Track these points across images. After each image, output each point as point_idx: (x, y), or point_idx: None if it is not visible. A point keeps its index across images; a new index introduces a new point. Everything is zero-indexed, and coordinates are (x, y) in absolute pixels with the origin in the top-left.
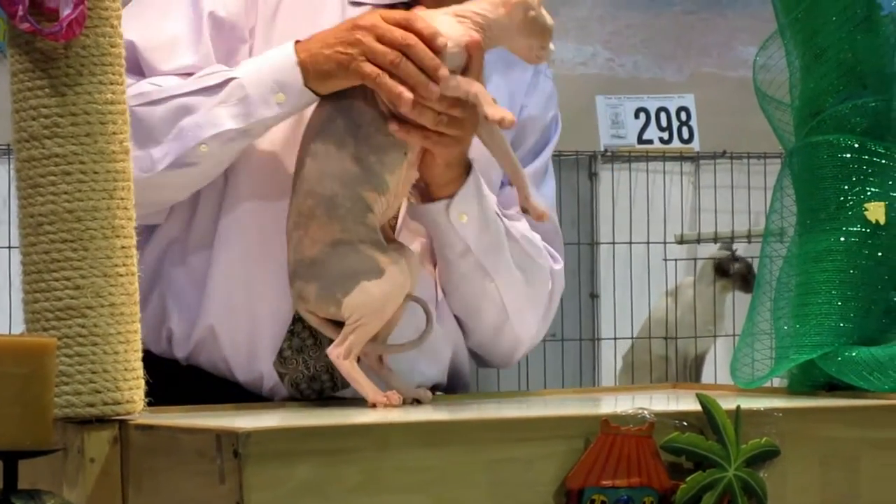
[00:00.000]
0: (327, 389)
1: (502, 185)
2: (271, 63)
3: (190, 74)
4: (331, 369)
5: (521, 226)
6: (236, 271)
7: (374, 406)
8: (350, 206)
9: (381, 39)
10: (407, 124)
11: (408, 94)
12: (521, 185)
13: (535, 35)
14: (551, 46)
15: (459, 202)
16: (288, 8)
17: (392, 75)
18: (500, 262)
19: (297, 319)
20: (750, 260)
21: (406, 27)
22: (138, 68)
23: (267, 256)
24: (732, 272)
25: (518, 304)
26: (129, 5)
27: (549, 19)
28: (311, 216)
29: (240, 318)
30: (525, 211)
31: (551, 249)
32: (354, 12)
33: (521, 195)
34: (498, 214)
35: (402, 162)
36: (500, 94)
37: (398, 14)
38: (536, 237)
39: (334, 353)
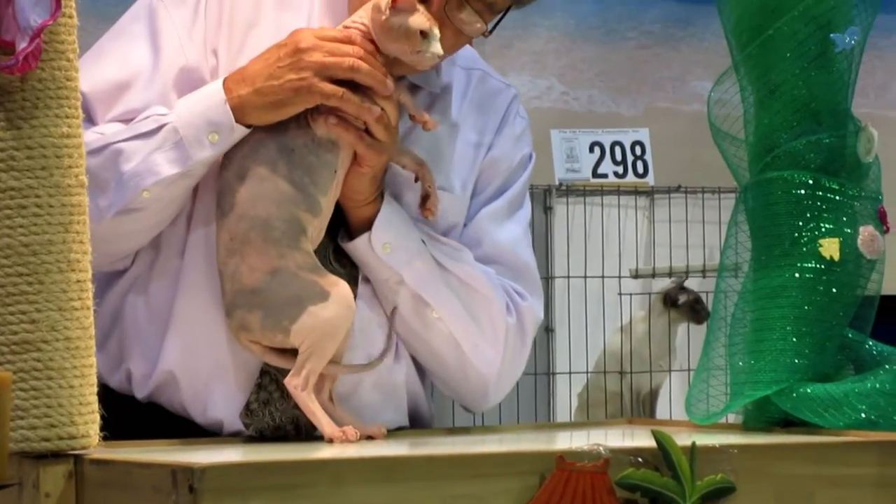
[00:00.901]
0: (291, 439)
1: (465, 225)
2: (203, 104)
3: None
4: (296, 420)
5: (464, 256)
6: (200, 315)
7: (330, 441)
8: (285, 228)
9: (332, 54)
10: (345, 121)
11: (376, 108)
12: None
13: (400, 39)
14: (433, 49)
15: (379, 231)
16: (254, 43)
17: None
18: (438, 292)
19: (265, 372)
20: (699, 292)
21: (347, 41)
22: (89, 117)
23: None
24: (681, 303)
25: (469, 337)
26: (84, 55)
27: (413, 21)
28: (246, 241)
29: (203, 365)
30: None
31: (514, 285)
32: None
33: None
34: (424, 242)
35: (332, 181)
36: (470, 133)
37: (333, 31)
38: (488, 271)
39: (292, 383)
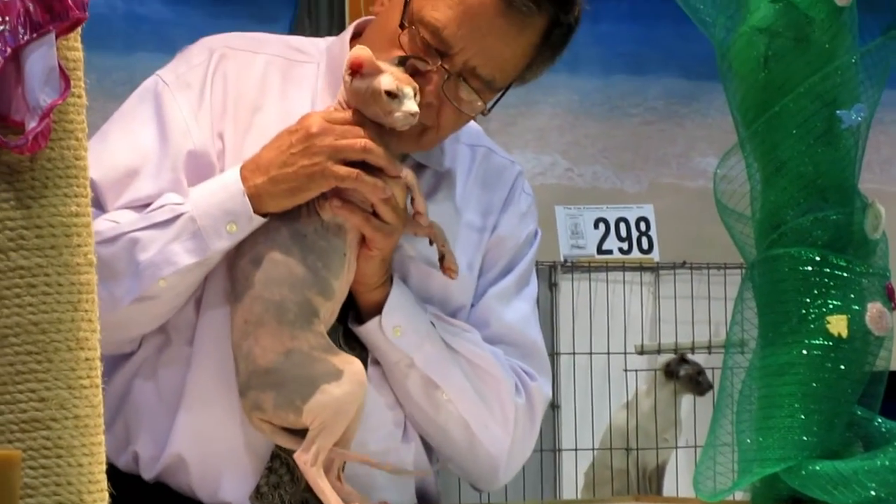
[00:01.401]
0: None
1: (472, 305)
2: (220, 195)
3: (147, 205)
4: (305, 502)
5: (472, 337)
6: (210, 399)
7: None
8: (298, 310)
9: (343, 137)
10: (350, 204)
11: (388, 188)
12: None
13: (369, 102)
14: (404, 108)
15: (389, 314)
16: (260, 126)
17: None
18: (448, 374)
19: (276, 456)
20: (705, 367)
21: (356, 124)
22: (99, 203)
23: None
24: (682, 375)
25: (479, 418)
26: (91, 139)
27: (377, 83)
28: (260, 323)
29: (213, 449)
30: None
31: (523, 365)
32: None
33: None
34: (433, 324)
35: (343, 265)
36: (475, 214)
37: (342, 114)
38: (497, 352)
39: (302, 458)
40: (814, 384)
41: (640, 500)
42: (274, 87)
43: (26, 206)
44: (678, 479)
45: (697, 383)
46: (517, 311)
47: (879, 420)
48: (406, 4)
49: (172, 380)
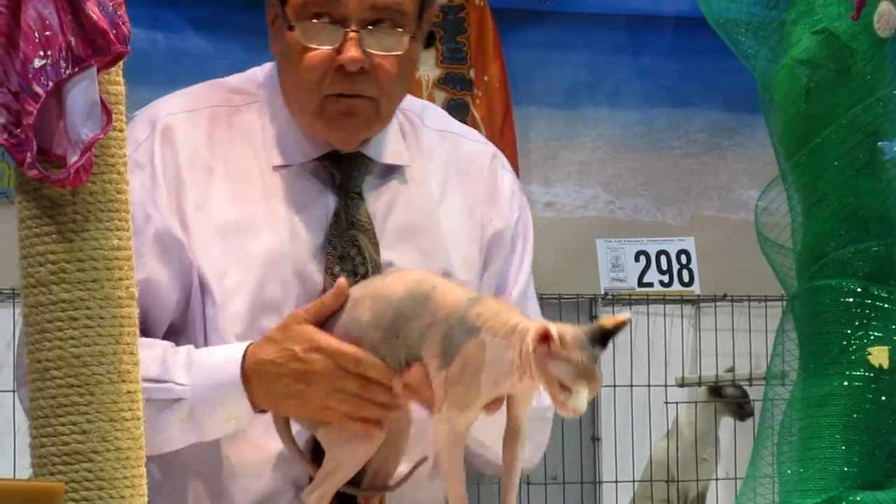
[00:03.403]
0: None
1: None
2: (222, 389)
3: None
4: None
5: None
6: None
7: None
8: None
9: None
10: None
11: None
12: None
13: (543, 378)
14: (572, 403)
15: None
16: (219, 188)
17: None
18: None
19: None
20: (747, 389)
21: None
22: None
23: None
24: (726, 394)
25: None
26: None
27: (556, 371)
28: None
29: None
30: None
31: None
32: (276, 178)
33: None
34: None
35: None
36: (457, 209)
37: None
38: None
39: (307, 498)
40: (855, 415)
41: None
42: (223, 142)
43: (68, 240)
44: None
45: (740, 406)
46: (535, 306)
47: None
48: (283, 13)
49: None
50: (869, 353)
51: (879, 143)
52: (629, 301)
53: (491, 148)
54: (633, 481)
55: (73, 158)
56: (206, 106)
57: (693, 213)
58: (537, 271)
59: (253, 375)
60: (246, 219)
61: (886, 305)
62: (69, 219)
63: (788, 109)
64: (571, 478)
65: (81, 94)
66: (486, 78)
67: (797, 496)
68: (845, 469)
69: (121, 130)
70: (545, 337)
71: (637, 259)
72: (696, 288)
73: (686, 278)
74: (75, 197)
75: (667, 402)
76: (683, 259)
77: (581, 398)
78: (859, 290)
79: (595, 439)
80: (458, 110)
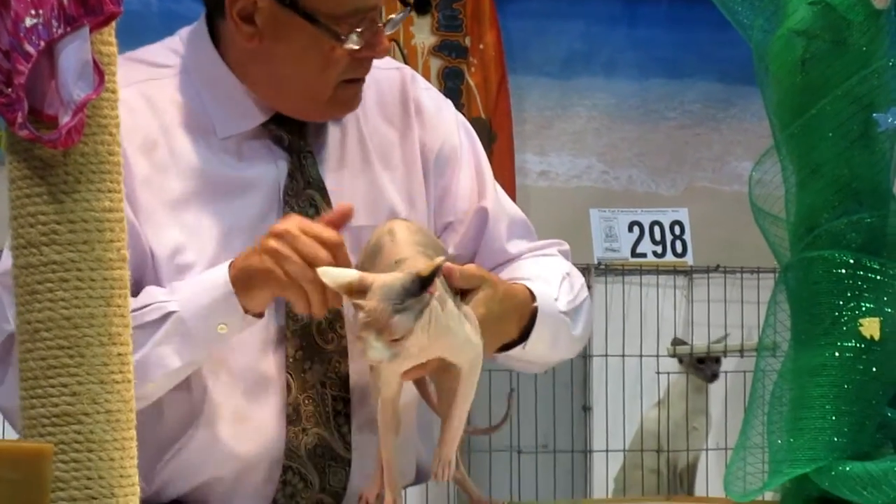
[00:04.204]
0: None
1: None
2: (210, 293)
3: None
4: (320, 502)
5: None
6: (221, 418)
7: None
8: None
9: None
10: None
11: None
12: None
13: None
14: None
15: (534, 340)
16: (157, 164)
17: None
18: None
19: (287, 468)
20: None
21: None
22: None
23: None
24: (683, 360)
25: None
26: None
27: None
28: None
29: (224, 471)
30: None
31: (552, 245)
32: (222, 147)
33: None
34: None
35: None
36: (390, 144)
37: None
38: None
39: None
40: (845, 386)
41: (671, 499)
42: (161, 117)
43: (59, 201)
44: (708, 480)
45: (700, 362)
46: (507, 201)
47: None
48: (296, 9)
49: (172, 421)
50: (860, 325)
51: (874, 115)
52: (622, 271)
53: (406, 70)
54: (624, 451)
55: (64, 119)
56: (134, 82)
57: (687, 184)
58: None
59: (237, 279)
60: (197, 192)
61: (878, 277)
62: (60, 180)
63: (784, 80)
64: (562, 447)
65: (73, 54)
66: (481, 46)
67: (787, 466)
68: (835, 439)
69: (113, 91)
70: (350, 288)
71: (630, 229)
72: (689, 259)
73: (679, 249)
74: (67, 158)
75: (658, 373)
76: (677, 230)
77: (371, 348)
78: (852, 261)
79: (586, 409)
80: (453, 78)
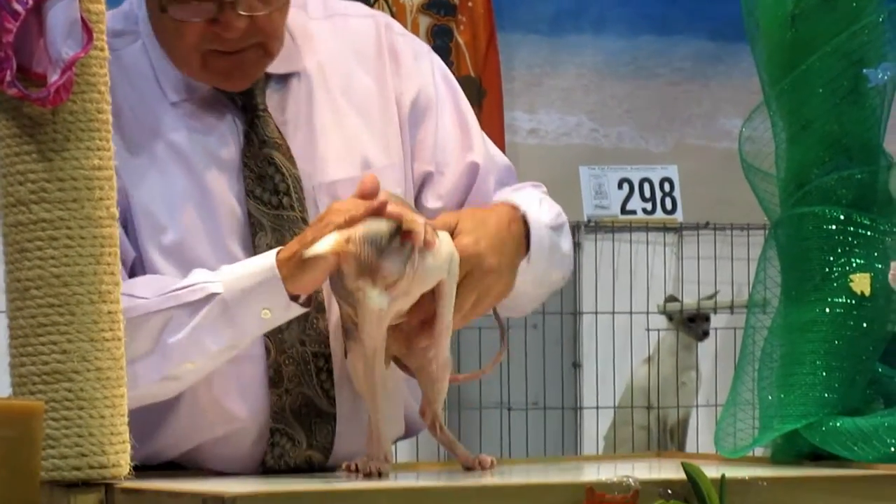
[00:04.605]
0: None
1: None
2: (255, 277)
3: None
4: (310, 460)
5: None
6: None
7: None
8: None
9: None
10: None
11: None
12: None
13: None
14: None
15: (535, 250)
16: (125, 136)
17: None
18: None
19: (274, 430)
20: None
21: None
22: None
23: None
24: (674, 318)
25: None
26: None
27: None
28: None
29: (213, 435)
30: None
31: (528, 185)
32: (177, 113)
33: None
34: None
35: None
36: (366, 93)
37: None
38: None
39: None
40: (836, 342)
41: (661, 455)
42: (120, 86)
43: (48, 159)
44: (699, 437)
45: (692, 320)
46: (494, 150)
47: None
48: None
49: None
50: (851, 281)
51: (864, 71)
52: (612, 228)
53: (382, 17)
54: (614, 407)
55: (53, 77)
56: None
57: (677, 141)
58: None
59: (285, 264)
60: (159, 159)
61: (869, 233)
62: (49, 138)
63: (773, 36)
64: (552, 403)
65: (62, 12)
66: (470, 4)
67: (777, 422)
68: (826, 395)
69: (101, 50)
70: (339, 245)
71: (620, 186)
72: (678, 216)
73: (669, 206)
74: (56, 116)
75: (648, 329)
76: (667, 187)
77: (370, 299)
78: (842, 217)
79: (576, 366)
80: (442, 36)
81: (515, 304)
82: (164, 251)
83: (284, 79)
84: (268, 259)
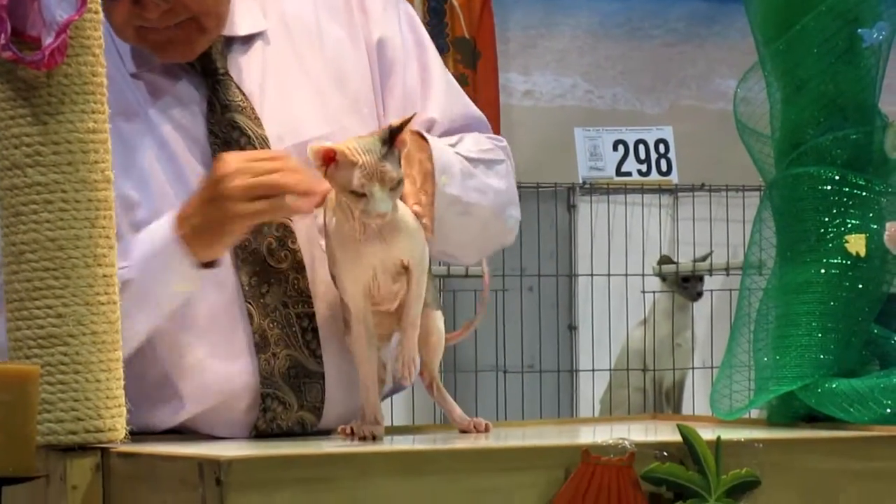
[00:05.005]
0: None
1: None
2: (163, 258)
3: None
4: (302, 421)
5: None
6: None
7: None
8: None
9: (256, 173)
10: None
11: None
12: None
13: (342, 195)
14: (370, 208)
15: (442, 175)
16: None
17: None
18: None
19: (266, 395)
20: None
21: (272, 158)
22: None
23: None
24: (668, 278)
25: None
26: None
27: (344, 181)
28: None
29: (205, 404)
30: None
31: (491, 138)
32: (139, 85)
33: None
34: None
35: None
36: (340, 45)
37: (262, 152)
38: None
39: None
40: (831, 303)
41: (657, 418)
42: None
43: (43, 123)
44: (695, 399)
45: (685, 280)
46: (457, 101)
47: None
48: None
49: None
50: (846, 241)
51: (859, 30)
52: (607, 190)
53: None
54: (610, 370)
55: (47, 40)
56: None
57: (672, 102)
58: (515, 160)
59: (195, 236)
60: (124, 134)
61: (864, 193)
62: (44, 101)
63: None
64: (548, 366)
65: None
66: None
67: (773, 383)
68: (821, 357)
69: (96, 12)
70: (328, 155)
71: (615, 148)
72: (673, 177)
73: (664, 168)
74: (50, 79)
75: (644, 292)
76: (661, 148)
77: (377, 198)
78: (837, 177)
79: (572, 328)
80: None
81: (452, 243)
82: (138, 228)
83: (248, 40)
84: (169, 235)
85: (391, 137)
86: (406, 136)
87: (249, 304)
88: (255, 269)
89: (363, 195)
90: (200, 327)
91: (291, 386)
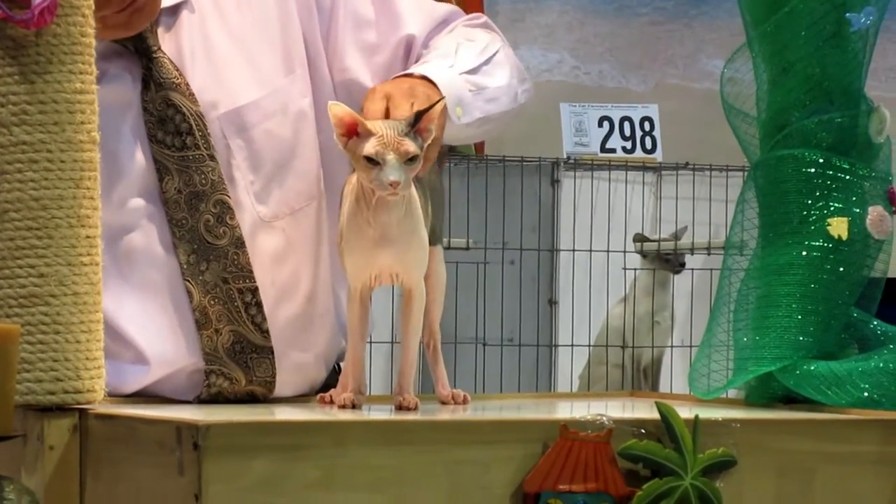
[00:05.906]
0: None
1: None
2: None
3: None
4: (254, 394)
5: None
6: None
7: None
8: None
9: None
10: None
11: None
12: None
13: (359, 165)
14: (383, 176)
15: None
16: None
17: None
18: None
19: (210, 372)
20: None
21: None
22: None
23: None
24: (647, 254)
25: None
26: None
27: (361, 148)
28: None
29: (149, 378)
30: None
31: (473, 24)
32: None
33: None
34: (469, 83)
35: None
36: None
37: None
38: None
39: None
40: (812, 285)
41: (635, 395)
42: None
43: (30, 82)
44: (673, 377)
45: (665, 261)
46: (426, 7)
47: (875, 323)
48: None
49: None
50: (828, 224)
51: (847, 14)
52: (591, 166)
53: None
54: (589, 345)
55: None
56: None
57: (658, 80)
58: (501, 134)
59: None
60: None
61: (847, 177)
62: (32, 60)
63: None
64: (527, 340)
65: None
66: None
67: (752, 364)
68: (801, 338)
69: None
70: (351, 128)
71: (600, 125)
72: (658, 155)
73: (649, 145)
74: (39, 39)
75: (625, 268)
76: (647, 126)
77: (390, 165)
78: (821, 160)
79: (552, 303)
80: None
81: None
82: None
83: (173, 11)
84: None
85: (416, 118)
86: (429, 124)
87: (188, 281)
88: (193, 246)
89: (378, 164)
90: (139, 308)
91: (238, 362)
